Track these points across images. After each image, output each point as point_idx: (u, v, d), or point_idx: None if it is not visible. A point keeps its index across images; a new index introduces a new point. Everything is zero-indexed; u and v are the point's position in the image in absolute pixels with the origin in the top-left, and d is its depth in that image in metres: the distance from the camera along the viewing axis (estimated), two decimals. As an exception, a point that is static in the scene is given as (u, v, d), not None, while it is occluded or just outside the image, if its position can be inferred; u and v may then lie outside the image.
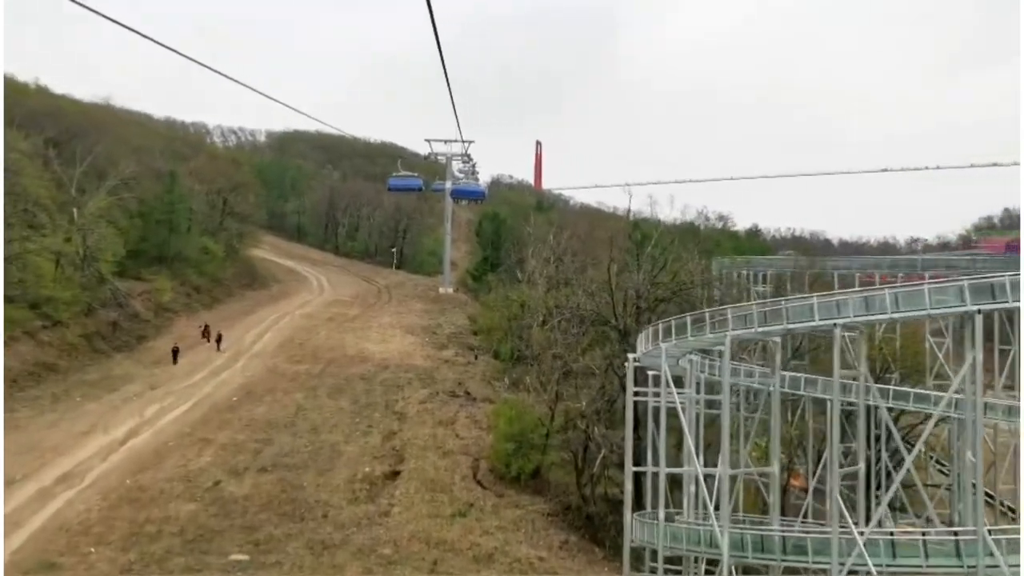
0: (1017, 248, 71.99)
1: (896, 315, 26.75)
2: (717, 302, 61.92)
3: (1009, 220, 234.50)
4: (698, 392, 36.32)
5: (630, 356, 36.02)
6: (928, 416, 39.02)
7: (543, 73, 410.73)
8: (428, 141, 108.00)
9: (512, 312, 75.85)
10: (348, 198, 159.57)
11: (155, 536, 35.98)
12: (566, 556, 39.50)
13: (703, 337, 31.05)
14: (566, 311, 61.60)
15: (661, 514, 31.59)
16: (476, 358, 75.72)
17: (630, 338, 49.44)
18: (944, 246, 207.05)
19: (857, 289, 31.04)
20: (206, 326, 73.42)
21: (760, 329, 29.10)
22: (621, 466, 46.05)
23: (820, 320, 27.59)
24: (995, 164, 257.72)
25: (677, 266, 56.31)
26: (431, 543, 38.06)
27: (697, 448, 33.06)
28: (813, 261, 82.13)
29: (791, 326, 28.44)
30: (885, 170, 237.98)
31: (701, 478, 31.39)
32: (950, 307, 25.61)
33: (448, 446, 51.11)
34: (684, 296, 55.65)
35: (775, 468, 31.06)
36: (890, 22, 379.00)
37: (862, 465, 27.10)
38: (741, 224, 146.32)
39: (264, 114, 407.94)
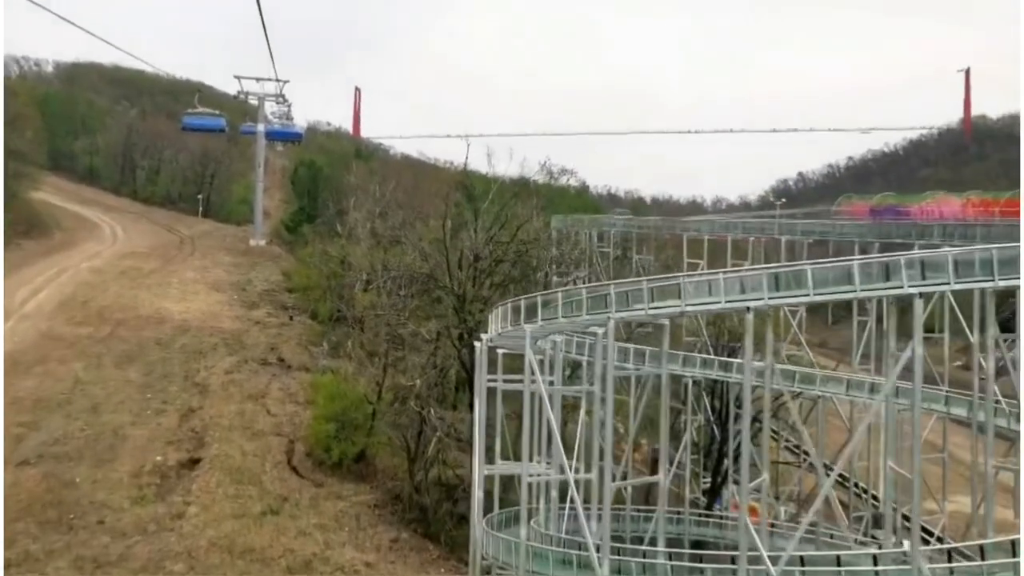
0: (883, 214, 72.55)
1: (819, 297, 23.12)
2: (556, 262, 58.07)
3: (803, 183, 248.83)
4: (560, 380, 31.77)
5: (483, 337, 30.95)
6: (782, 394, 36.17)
7: (359, 18, 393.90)
8: (238, 78, 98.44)
9: (332, 269, 69.09)
10: (148, 138, 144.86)
11: None
12: (396, 558, 34.44)
13: (579, 318, 26.32)
14: (394, 271, 55.79)
15: (523, 532, 26.85)
16: (291, 319, 68.67)
17: (468, 304, 44.51)
18: (746, 207, 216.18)
19: (773, 265, 27.00)
20: (-40, 280, 61.96)
21: (651, 310, 24.70)
22: (459, 449, 41.59)
23: (727, 302, 23.55)
24: (794, 130, 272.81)
25: (516, 224, 51.63)
26: (235, 552, 31.95)
27: (558, 443, 28.44)
28: (665, 221, 79.99)
29: (689, 307, 24.23)
30: (696, 132, 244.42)
31: (572, 485, 26.90)
32: (884, 288, 22.15)
33: (258, 426, 44.59)
34: (524, 258, 51.25)
35: (661, 476, 27.11)
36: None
37: (766, 475, 23.50)
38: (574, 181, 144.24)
39: (52, 42, 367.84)
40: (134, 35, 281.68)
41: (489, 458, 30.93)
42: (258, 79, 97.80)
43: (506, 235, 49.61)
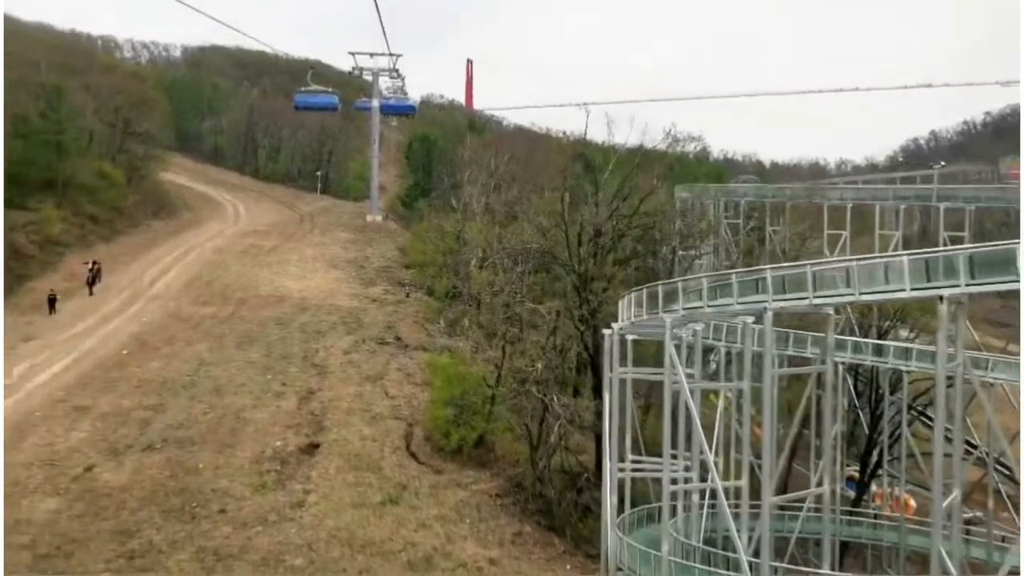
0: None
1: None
2: (679, 236, 54.79)
3: (935, 142, 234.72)
4: (699, 372, 28.96)
5: (614, 326, 28.69)
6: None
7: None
8: (352, 54, 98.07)
9: (448, 245, 67.91)
10: (269, 117, 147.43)
11: (-4, 551, 28.01)
12: (521, 554, 32.81)
13: (728, 307, 23.48)
14: (510, 247, 53.92)
15: (666, 547, 24.55)
16: (408, 296, 68.01)
17: (589, 283, 42.20)
18: (873, 168, 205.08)
19: (972, 246, 22.52)
20: (93, 262, 63.29)
21: (816, 299, 21.62)
22: (581, 434, 39.58)
23: (914, 289, 20.32)
24: (928, 85, 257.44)
25: (639, 196, 48.71)
26: (355, 545, 30.96)
27: (703, 445, 25.88)
28: (801, 188, 74.45)
29: (864, 296, 21.04)
30: (818, 91, 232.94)
31: (721, 493, 24.39)
32: None
33: (377, 409, 43.75)
34: (649, 232, 48.41)
35: (827, 486, 24.24)
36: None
37: (958, 492, 20.44)
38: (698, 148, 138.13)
39: (180, 27, 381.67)
40: (256, 19, 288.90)
41: (619, 454, 28.71)
42: (371, 54, 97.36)
43: (628, 208, 46.86)
